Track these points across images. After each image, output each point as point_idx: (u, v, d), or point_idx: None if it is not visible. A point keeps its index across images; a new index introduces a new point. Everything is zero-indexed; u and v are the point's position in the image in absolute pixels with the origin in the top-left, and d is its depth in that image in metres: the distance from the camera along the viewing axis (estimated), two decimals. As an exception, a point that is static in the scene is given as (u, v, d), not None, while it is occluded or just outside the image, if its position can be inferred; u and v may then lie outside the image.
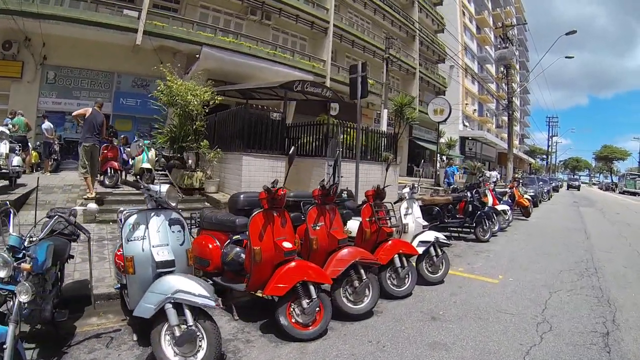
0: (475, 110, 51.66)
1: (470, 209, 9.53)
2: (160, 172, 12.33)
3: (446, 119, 19.80)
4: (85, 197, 8.42)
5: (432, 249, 5.81)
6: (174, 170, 10.92)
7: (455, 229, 9.82)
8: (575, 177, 76.80)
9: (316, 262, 4.31)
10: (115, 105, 18.41)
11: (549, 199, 25.50)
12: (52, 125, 13.99)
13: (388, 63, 18.51)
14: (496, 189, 14.70)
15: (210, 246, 4.56)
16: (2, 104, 15.69)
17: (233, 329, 4.02)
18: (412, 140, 34.77)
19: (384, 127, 17.10)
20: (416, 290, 5.35)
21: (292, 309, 3.89)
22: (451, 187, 10.29)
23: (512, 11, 64.11)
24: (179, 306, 3.10)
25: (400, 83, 33.99)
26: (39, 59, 16.29)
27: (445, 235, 9.22)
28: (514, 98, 51.19)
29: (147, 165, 10.78)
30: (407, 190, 6.36)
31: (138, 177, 10.63)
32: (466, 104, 47.17)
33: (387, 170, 13.79)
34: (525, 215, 14.17)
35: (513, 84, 28.88)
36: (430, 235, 5.90)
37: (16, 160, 9.13)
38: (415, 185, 6.42)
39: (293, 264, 3.98)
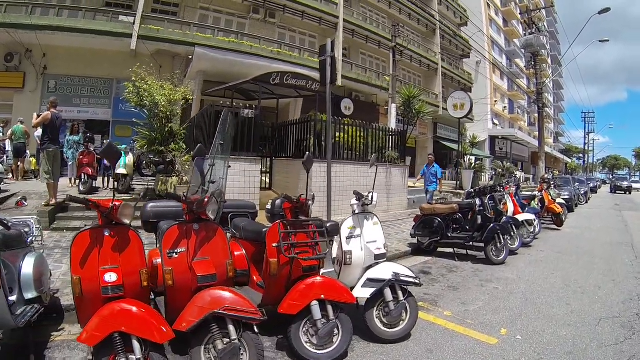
0: (505, 107, 49.22)
1: (479, 220, 7.44)
2: (151, 178, 12.22)
3: (467, 115, 17.86)
4: (45, 203, 8.39)
5: (388, 291, 3.93)
6: (157, 175, 10.54)
7: (463, 246, 7.80)
8: (623, 175, 63.37)
9: (176, 305, 3.22)
10: (115, 112, 18.61)
11: (586, 202, 22.96)
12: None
13: (395, 53, 16.69)
14: (520, 193, 12.71)
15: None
16: (6, 113, 16.38)
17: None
18: (437, 141, 32.89)
19: (392, 124, 15.34)
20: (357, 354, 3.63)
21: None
22: (467, 191, 8.16)
23: (541, 2, 60.96)
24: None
25: (422, 80, 32.40)
26: (40, 69, 17.20)
27: (454, 253, 7.66)
28: (545, 93, 48.88)
29: (122, 171, 10.73)
30: (354, 201, 4.54)
31: (115, 182, 10.64)
32: (495, 101, 44.82)
33: (373, 170, 12.07)
34: (556, 224, 11.92)
35: (543, 76, 26.51)
36: (386, 271, 4.03)
37: (-3, 167, 9.26)
38: (369, 194, 4.54)
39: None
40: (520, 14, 30.94)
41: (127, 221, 3.12)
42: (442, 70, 32.26)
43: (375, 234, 4.39)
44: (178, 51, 17.79)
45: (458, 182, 19.14)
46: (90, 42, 16.56)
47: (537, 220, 9.85)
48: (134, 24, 16.59)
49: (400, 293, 3.95)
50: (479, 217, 7.38)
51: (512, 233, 7.98)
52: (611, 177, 65.26)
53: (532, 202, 12.02)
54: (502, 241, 7.24)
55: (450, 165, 28.47)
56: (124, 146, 11.84)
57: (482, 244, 7.33)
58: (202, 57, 16.46)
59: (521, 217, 9.01)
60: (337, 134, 11.64)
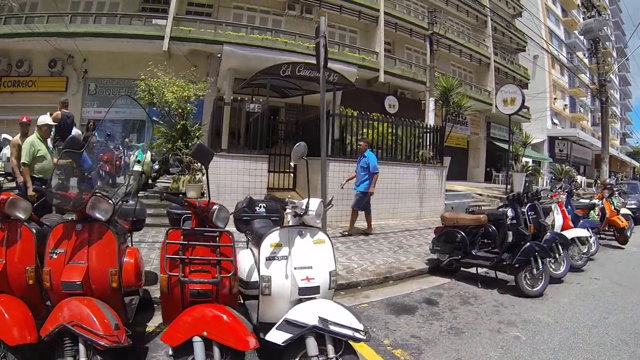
0: (566, 105, 45.80)
1: (510, 238, 5.83)
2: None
3: (518, 111, 16.15)
4: None
5: (311, 342, 2.65)
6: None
7: (493, 267, 6.21)
8: None
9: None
10: (151, 112, 18.19)
11: (657, 212, 20.18)
12: (79, 132, 14.11)
13: (432, 42, 15.26)
14: (577, 201, 10.93)
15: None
16: (51, 115, 17.80)
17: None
18: (491, 141, 31.00)
19: (430, 120, 13.96)
20: None
21: None
22: (512, 195, 6.33)
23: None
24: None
25: (473, 76, 30.55)
26: (81, 74, 18.77)
27: (477, 277, 6.36)
28: (611, 90, 45.07)
29: (137, 168, 10.44)
30: (289, 209, 3.33)
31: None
32: (555, 99, 41.78)
33: (406, 170, 10.79)
34: (619, 242, 10.03)
35: (606, 67, 23.97)
36: (311, 312, 2.76)
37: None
38: (306, 200, 3.30)
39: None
40: (581, 2, 28.23)
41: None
42: (495, 65, 30.07)
43: (312, 258, 3.18)
44: (212, 50, 17.77)
45: (509, 187, 17.39)
46: (126, 46, 17.48)
47: (593, 237, 8.18)
48: (166, 26, 17.24)
49: (330, 348, 2.70)
50: (510, 233, 5.83)
51: (557, 255, 6.41)
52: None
53: (591, 212, 10.25)
54: (541, 266, 5.66)
55: (504, 167, 26.54)
56: (141, 144, 12.41)
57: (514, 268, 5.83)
58: (231, 55, 16.05)
59: (571, 233, 7.32)
60: (364, 130, 10.57)
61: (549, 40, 38.29)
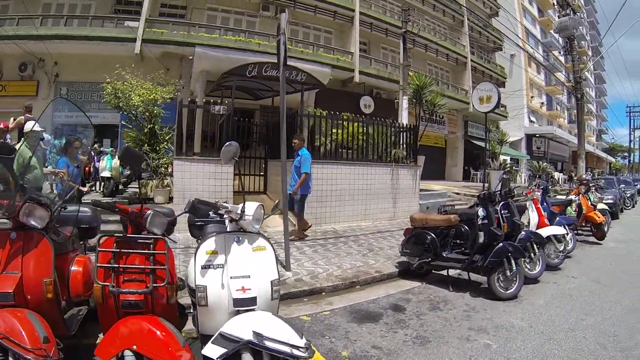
0: (542, 103, 46.38)
1: (481, 238, 5.50)
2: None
3: (494, 108, 15.92)
4: None
5: (246, 357, 2.40)
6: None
7: (465, 269, 5.90)
8: None
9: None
10: (123, 115, 18.14)
11: (632, 206, 20.30)
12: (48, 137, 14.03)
13: (406, 40, 15.04)
14: (554, 198, 10.76)
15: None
16: (21, 120, 17.25)
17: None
18: (469, 140, 31.08)
19: (404, 119, 13.72)
20: None
21: None
22: (483, 193, 5.89)
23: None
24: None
25: (450, 75, 30.53)
26: (52, 77, 18.08)
27: (448, 280, 6.02)
28: (586, 88, 45.64)
29: (106, 174, 10.54)
30: (223, 214, 3.10)
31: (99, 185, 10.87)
32: (532, 97, 42.20)
33: (377, 171, 10.50)
34: (597, 237, 9.89)
35: (581, 65, 24.15)
36: (247, 326, 2.50)
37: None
38: (242, 204, 3.07)
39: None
40: (557, 3, 28.48)
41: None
42: (472, 64, 30.14)
43: (250, 266, 2.90)
44: (185, 53, 17.39)
45: (486, 185, 17.24)
46: (97, 49, 16.93)
47: (570, 234, 7.96)
48: (138, 28, 16.89)
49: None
50: (481, 233, 5.50)
51: (532, 254, 6.12)
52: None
53: (568, 208, 10.09)
54: (514, 267, 5.35)
55: (482, 166, 26.60)
56: (110, 149, 12.05)
57: (487, 269, 5.52)
58: (203, 57, 15.75)
59: (547, 231, 7.06)
60: (334, 130, 10.27)
61: (526, 40, 38.58)
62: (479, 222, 5.54)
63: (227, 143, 3.17)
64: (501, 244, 5.40)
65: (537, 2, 46.59)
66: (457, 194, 15.99)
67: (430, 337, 4.19)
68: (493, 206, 5.76)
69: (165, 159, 10.05)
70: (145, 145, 10.14)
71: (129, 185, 11.70)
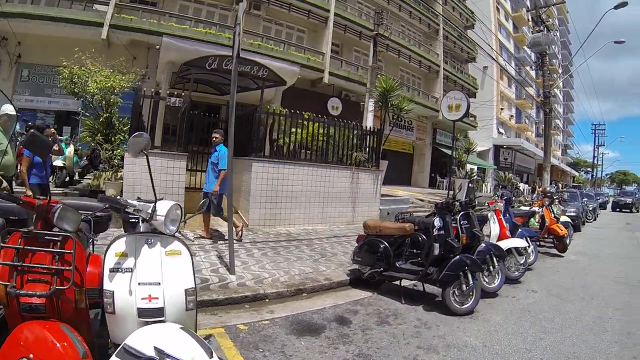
0: (512, 116, 47.24)
1: (436, 250, 5.12)
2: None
3: (463, 117, 15.76)
4: None
5: None
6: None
7: (421, 279, 5.49)
8: (628, 191, 53.14)
9: None
10: (85, 102, 17.47)
11: (594, 219, 20.77)
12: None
13: (376, 42, 14.74)
14: (518, 209, 10.55)
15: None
16: (-22, 102, 16.04)
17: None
18: (437, 147, 31.10)
19: (369, 122, 13.39)
20: None
21: None
22: (441, 203, 5.43)
23: (554, 12, 58.99)
24: None
25: (422, 82, 30.54)
26: (14, 58, 16.99)
27: (401, 291, 5.57)
28: (555, 104, 46.60)
29: (59, 163, 10.06)
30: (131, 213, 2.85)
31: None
32: (501, 109, 42.80)
33: (337, 174, 10.11)
34: (558, 250, 9.77)
35: (552, 81, 24.49)
36: (149, 340, 2.23)
37: None
38: (155, 202, 2.78)
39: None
40: (528, 11, 28.89)
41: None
42: (445, 73, 30.29)
43: (161, 272, 2.57)
44: (153, 42, 16.30)
45: (451, 193, 17.05)
46: (63, 31, 15.98)
47: (531, 247, 7.71)
48: (106, 12, 15.99)
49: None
50: (437, 245, 5.11)
51: (491, 267, 5.78)
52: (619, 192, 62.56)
53: (531, 220, 9.91)
54: (471, 281, 4.98)
55: (449, 174, 26.65)
56: (65, 137, 11.86)
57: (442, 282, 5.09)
58: (170, 47, 14.68)
59: (508, 243, 6.76)
60: (293, 129, 9.86)
61: (499, 53, 39.13)
62: (435, 233, 5.15)
63: (137, 133, 2.91)
64: (458, 257, 5.03)
65: (512, 18, 47.63)
66: (422, 200, 15.74)
67: (374, 355, 3.77)
68: (452, 216, 5.40)
69: (119, 151, 9.63)
70: (99, 135, 9.78)
71: (85, 176, 11.31)
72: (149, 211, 2.66)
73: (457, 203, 5.59)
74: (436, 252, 5.07)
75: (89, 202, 3.79)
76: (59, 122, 17.05)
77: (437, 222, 5.19)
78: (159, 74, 16.15)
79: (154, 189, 2.95)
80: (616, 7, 17.58)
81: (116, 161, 9.58)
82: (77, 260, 2.51)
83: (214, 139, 7.65)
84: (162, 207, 2.69)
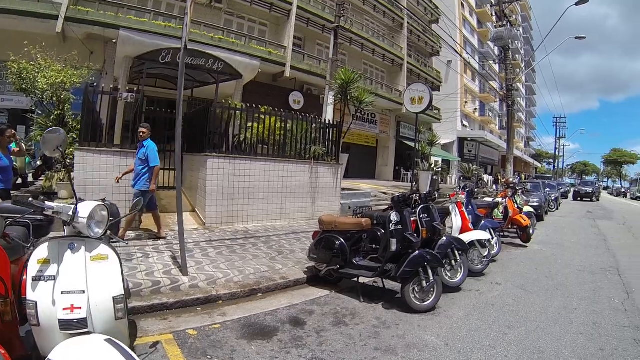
0: (476, 109, 47.86)
1: (393, 246, 4.76)
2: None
3: (426, 109, 15.52)
4: None
5: None
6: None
7: (381, 275, 5.17)
8: (589, 181, 55.53)
9: None
10: (24, 100, 16.60)
11: (557, 209, 21.09)
12: None
13: (337, 34, 14.39)
14: (482, 200, 10.45)
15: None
16: None
17: None
18: (401, 140, 31.27)
19: (329, 115, 13.09)
20: None
21: None
22: (397, 196, 5.31)
23: (517, 8, 60.23)
24: None
25: (385, 75, 30.48)
26: None
27: (359, 288, 5.27)
28: (518, 98, 47.52)
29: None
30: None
31: None
32: (465, 102, 43.30)
33: (295, 168, 9.84)
34: (522, 240, 9.70)
35: (514, 75, 24.80)
36: (68, 357, 2.12)
37: None
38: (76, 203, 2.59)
39: None
40: (491, 6, 29.21)
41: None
42: (408, 67, 30.30)
43: (85, 279, 2.44)
44: (111, 36, 15.63)
45: (415, 185, 16.94)
46: (14, 24, 14.98)
47: (495, 239, 7.57)
48: (61, 4, 14.98)
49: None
50: (394, 240, 4.78)
51: (453, 261, 5.54)
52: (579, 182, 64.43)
53: (495, 210, 9.82)
54: (431, 278, 4.72)
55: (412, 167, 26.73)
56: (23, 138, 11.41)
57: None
58: (127, 41, 14.17)
59: (471, 235, 6.53)
60: (250, 124, 9.49)
61: (464, 48, 39.53)
62: (392, 228, 4.84)
63: (51, 129, 2.78)
64: (417, 252, 4.76)
65: (477, 13, 48.26)
66: (385, 193, 15.55)
67: (329, 358, 3.47)
68: (413, 209, 5.13)
69: (72, 150, 9.01)
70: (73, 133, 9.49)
71: (39, 178, 10.92)
72: (70, 213, 2.50)
73: (416, 196, 5.33)
74: (393, 247, 4.77)
75: (17, 207, 3.49)
76: (14, 120, 15.96)
77: (393, 216, 4.89)
78: (116, 69, 15.48)
79: (73, 190, 2.75)
80: (577, 4, 17.81)
81: (69, 161, 9.00)
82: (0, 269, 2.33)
83: (141, 133, 7.09)
84: (85, 209, 2.53)
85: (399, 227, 4.87)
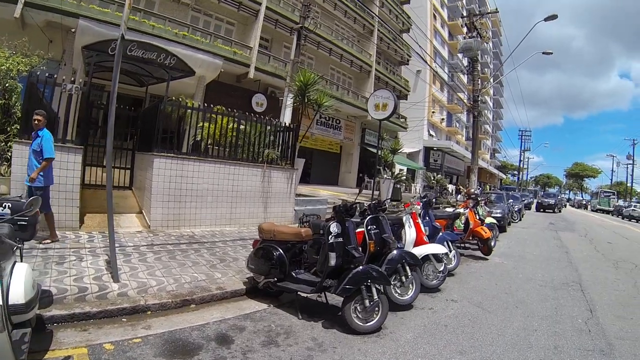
0: (443, 119, 48.33)
1: (332, 261, 4.30)
2: None
3: (390, 116, 15.24)
4: None
5: None
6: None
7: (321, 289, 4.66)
8: (551, 192, 55.49)
9: None
10: None
11: (520, 220, 21.22)
12: None
13: (300, 35, 14.03)
14: (443, 211, 10.15)
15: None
16: None
17: None
18: (365, 147, 31.12)
19: (287, 117, 12.62)
20: None
21: None
22: (338, 206, 4.77)
23: (488, 23, 61.41)
24: None
25: (352, 81, 30.31)
26: None
27: (297, 304, 4.82)
28: (485, 110, 48.16)
29: None
30: None
31: None
32: (433, 112, 43.59)
33: (247, 171, 9.31)
34: (483, 252, 9.42)
35: (482, 86, 24.97)
36: None
37: None
38: None
39: None
40: (462, 18, 29.45)
41: None
42: (377, 74, 30.28)
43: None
44: (71, 25, 14.73)
45: (376, 193, 16.60)
46: None
47: (453, 252, 7.19)
48: None
49: None
50: (333, 254, 4.30)
51: (404, 277, 5.09)
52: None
53: (457, 221, 9.52)
54: (375, 296, 4.25)
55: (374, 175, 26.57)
56: None
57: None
58: (86, 31, 13.32)
59: (425, 249, 6.08)
60: (202, 123, 9.01)
61: (433, 58, 39.78)
62: (331, 240, 4.35)
63: None
64: (361, 268, 4.29)
65: (448, 26, 48.93)
66: (345, 200, 15.17)
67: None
68: (362, 220, 4.67)
69: (10, 143, 8.46)
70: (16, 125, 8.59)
71: None
72: None
73: (363, 206, 4.88)
74: (332, 262, 4.29)
75: None
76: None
77: (333, 227, 4.40)
78: (75, 61, 14.57)
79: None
80: (546, 19, 17.96)
81: (10, 154, 8.27)
82: None
83: (36, 121, 6.31)
84: None
85: (339, 239, 4.38)
